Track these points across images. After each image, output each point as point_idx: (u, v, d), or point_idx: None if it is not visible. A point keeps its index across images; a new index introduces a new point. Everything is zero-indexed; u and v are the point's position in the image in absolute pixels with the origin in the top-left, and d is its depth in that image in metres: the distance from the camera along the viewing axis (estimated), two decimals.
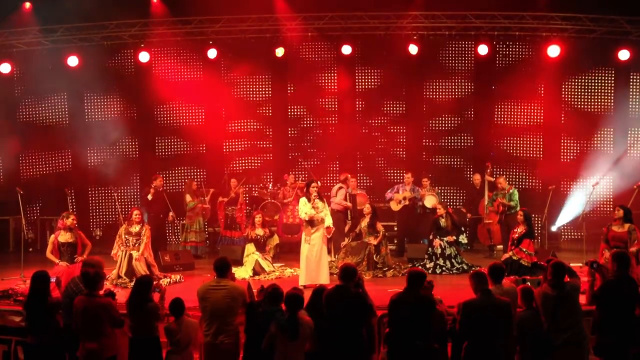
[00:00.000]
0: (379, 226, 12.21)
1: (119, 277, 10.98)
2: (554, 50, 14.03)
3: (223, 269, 6.90)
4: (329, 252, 11.70)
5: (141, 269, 10.86)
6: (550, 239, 14.07)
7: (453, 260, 11.93)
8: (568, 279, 6.79)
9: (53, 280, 8.01)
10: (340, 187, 13.32)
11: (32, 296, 7.34)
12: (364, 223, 12.22)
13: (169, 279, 11.15)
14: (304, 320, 6.36)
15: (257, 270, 11.66)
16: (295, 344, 6.31)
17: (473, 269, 11.79)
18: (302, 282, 10.29)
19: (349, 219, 13.28)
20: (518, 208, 12.26)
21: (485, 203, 13.73)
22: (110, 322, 6.72)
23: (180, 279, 11.39)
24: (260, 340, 6.42)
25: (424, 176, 14.20)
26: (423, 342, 6.28)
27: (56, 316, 7.22)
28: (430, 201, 13.36)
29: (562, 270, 6.74)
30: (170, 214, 13.17)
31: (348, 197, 13.25)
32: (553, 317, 6.57)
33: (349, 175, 13.56)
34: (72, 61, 14.78)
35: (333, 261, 11.90)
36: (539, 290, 6.81)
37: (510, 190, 12.92)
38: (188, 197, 13.98)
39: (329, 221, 10.68)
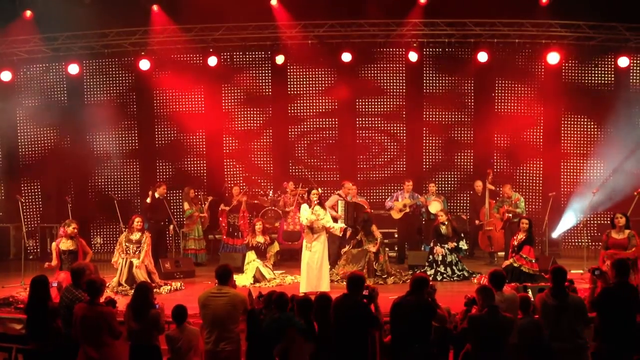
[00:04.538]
0: (377, 232, 12.19)
1: (120, 284, 10.98)
2: (553, 58, 14.06)
3: (224, 276, 6.91)
4: None
5: (142, 276, 10.85)
6: (550, 245, 14.05)
7: (454, 267, 11.92)
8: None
9: (54, 285, 8.02)
10: (334, 193, 13.28)
11: (32, 301, 7.36)
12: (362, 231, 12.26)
13: (169, 287, 11.16)
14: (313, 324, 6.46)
15: (258, 278, 11.66)
16: (308, 347, 6.39)
17: (473, 276, 11.83)
18: (302, 289, 10.28)
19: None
20: (524, 215, 12.27)
21: (486, 210, 13.75)
22: (108, 331, 6.71)
23: (180, 286, 11.39)
24: (262, 348, 6.44)
25: (429, 182, 14.26)
26: (422, 346, 6.33)
27: (57, 321, 7.23)
28: (435, 207, 13.36)
29: (561, 276, 6.75)
30: (171, 226, 13.20)
31: (345, 205, 12.89)
32: (553, 325, 6.58)
33: (347, 184, 13.34)
34: (73, 69, 14.83)
35: (333, 269, 11.86)
36: (540, 297, 6.83)
37: (517, 202, 12.95)
38: (186, 205, 14.02)
39: (334, 224, 10.67)
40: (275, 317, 6.59)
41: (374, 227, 12.22)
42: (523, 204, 13.04)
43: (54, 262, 10.16)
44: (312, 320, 6.45)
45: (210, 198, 14.40)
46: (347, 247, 12.33)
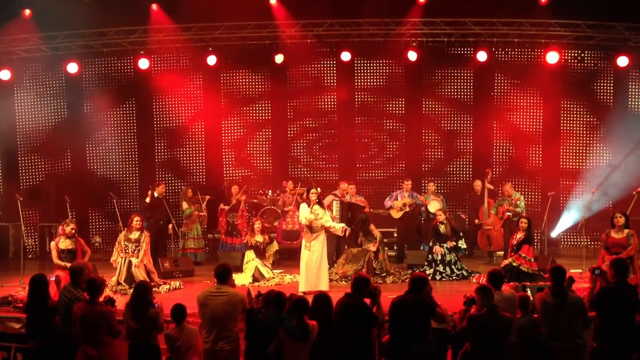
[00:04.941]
0: (375, 232, 12.18)
1: (119, 283, 10.98)
2: (552, 57, 14.06)
3: (224, 275, 6.91)
4: None
5: (140, 275, 10.85)
6: (549, 245, 14.07)
7: (453, 267, 11.92)
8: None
9: (52, 279, 8.00)
10: (330, 193, 13.27)
11: (31, 300, 7.35)
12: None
13: (168, 286, 11.16)
14: (310, 325, 6.42)
15: (257, 277, 11.66)
16: (302, 347, 6.37)
17: (472, 275, 11.82)
18: (301, 288, 10.27)
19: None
20: (524, 214, 12.27)
21: (484, 209, 13.75)
22: (107, 330, 6.71)
23: (179, 285, 11.39)
24: (261, 347, 6.43)
25: (428, 181, 14.24)
26: (421, 345, 6.33)
27: (56, 318, 7.22)
28: (434, 206, 13.37)
29: (561, 275, 6.75)
30: (170, 225, 13.20)
31: (340, 205, 12.85)
32: (552, 324, 6.58)
33: (342, 184, 13.37)
34: (72, 68, 14.83)
35: (332, 268, 11.85)
36: (540, 296, 6.83)
37: (517, 202, 12.95)
38: (185, 205, 14.03)
39: (334, 224, 10.67)
40: (272, 316, 6.59)
41: (372, 226, 12.20)
42: (523, 203, 13.04)
43: (57, 260, 10.17)
44: (305, 320, 6.42)
45: (207, 197, 14.38)
46: (345, 246, 12.32)
